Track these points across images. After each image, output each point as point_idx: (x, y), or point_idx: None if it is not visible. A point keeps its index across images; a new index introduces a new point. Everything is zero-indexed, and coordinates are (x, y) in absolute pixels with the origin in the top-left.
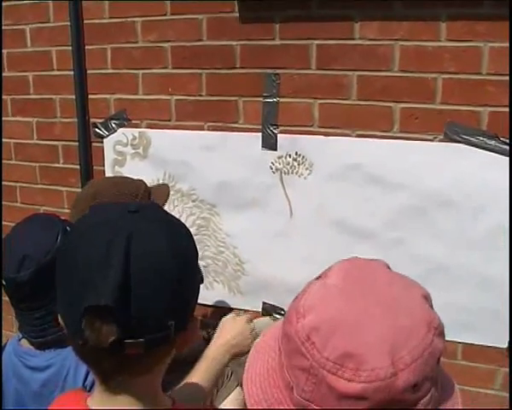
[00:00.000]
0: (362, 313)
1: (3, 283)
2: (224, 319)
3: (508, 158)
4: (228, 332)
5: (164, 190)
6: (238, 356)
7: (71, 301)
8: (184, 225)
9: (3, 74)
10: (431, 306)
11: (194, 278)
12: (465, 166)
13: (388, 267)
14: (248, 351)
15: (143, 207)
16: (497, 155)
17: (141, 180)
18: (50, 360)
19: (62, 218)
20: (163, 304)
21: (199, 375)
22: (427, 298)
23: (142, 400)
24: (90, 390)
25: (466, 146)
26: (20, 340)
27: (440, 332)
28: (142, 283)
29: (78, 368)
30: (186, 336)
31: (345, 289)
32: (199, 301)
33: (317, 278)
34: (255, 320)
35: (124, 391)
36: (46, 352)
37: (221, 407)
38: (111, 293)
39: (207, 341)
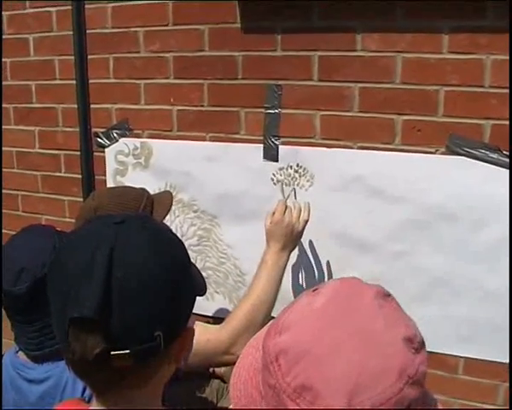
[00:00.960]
0: (332, 346)
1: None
2: (266, 227)
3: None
4: (275, 235)
5: (167, 198)
6: (295, 246)
7: (58, 312)
8: (175, 234)
9: (7, 83)
10: (416, 348)
11: (184, 287)
12: (467, 179)
13: (386, 295)
14: (300, 236)
15: (130, 218)
16: (499, 168)
17: (143, 189)
18: (48, 373)
19: (58, 229)
20: (148, 314)
21: (262, 283)
22: (411, 340)
23: None
24: (89, 402)
25: (468, 159)
26: (17, 352)
27: (415, 381)
28: (125, 293)
29: (76, 380)
30: (180, 346)
31: (325, 315)
32: (199, 312)
33: (313, 291)
34: None
35: (119, 405)
36: (44, 364)
37: None
38: (92, 304)
39: None
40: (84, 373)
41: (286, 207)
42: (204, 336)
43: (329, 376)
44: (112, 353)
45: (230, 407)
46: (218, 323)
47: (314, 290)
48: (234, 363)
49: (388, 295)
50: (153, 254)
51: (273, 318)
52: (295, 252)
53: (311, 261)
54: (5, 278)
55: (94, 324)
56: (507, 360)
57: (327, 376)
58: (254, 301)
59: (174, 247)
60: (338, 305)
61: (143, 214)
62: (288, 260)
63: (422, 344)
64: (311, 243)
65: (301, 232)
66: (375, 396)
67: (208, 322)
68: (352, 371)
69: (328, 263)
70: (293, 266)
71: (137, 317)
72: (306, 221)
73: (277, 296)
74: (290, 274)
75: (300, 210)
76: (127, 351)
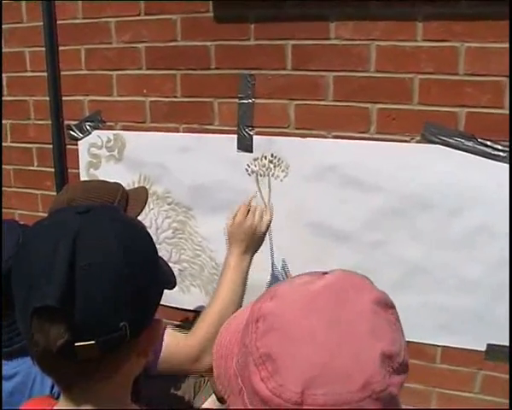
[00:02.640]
0: (309, 330)
1: None
2: (227, 229)
3: (486, 159)
4: (237, 237)
5: (142, 194)
6: (258, 248)
7: (22, 305)
8: (143, 225)
9: None
10: (395, 368)
11: (150, 278)
12: (442, 168)
13: (388, 306)
14: (263, 238)
15: (95, 208)
16: (474, 155)
17: (118, 184)
18: (16, 369)
19: (22, 222)
20: (113, 304)
21: (227, 285)
22: (391, 358)
23: (107, 407)
24: (57, 398)
25: (443, 147)
26: None
27: (379, 398)
28: (88, 282)
29: (44, 376)
30: (148, 339)
31: (316, 300)
32: (175, 305)
33: (317, 273)
34: None
35: (87, 399)
36: (13, 360)
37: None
38: (55, 293)
39: None
40: (49, 367)
41: (248, 209)
42: (173, 342)
43: (295, 356)
44: (76, 344)
45: (207, 404)
46: (194, 316)
47: (319, 274)
48: (203, 372)
49: (391, 306)
50: (117, 244)
51: None
52: (272, 243)
53: (286, 252)
54: None
55: (57, 313)
56: (483, 348)
57: (292, 355)
58: (220, 306)
59: (140, 237)
60: (333, 294)
61: (109, 205)
62: (250, 261)
63: (405, 368)
64: (287, 233)
65: (264, 233)
66: (331, 395)
67: (183, 318)
68: (317, 361)
69: (303, 253)
70: (270, 257)
71: (102, 306)
72: (269, 222)
73: (243, 298)
74: (267, 266)
75: (263, 211)
76: (92, 342)
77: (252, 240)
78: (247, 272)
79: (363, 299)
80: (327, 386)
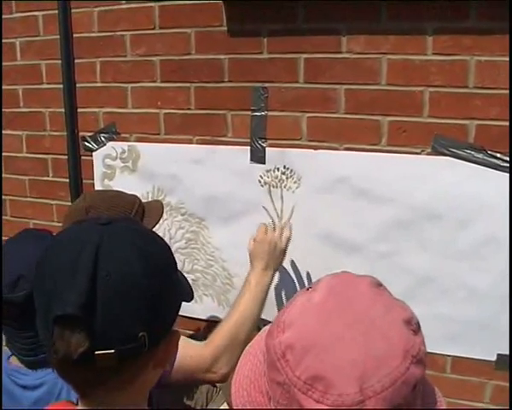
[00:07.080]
0: (337, 336)
1: None
2: (249, 248)
3: (494, 171)
4: (258, 255)
5: (158, 208)
6: (280, 264)
7: (43, 312)
8: (161, 237)
9: None
10: (414, 329)
11: (169, 290)
12: (452, 179)
13: (379, 285)
14: (284, 254)
15: (116, 220)
16: (484, 167)
17: (134, 196)
18: (42, 379)
19: (55, 233)
20: (132, 313)
21: (246, 300)
22: (409, 322)
23: None
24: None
25: (453, 159)
26: (8, 358)
27: (419, 360)
28: (109, 292)
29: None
30: (165, 350)
31: (325, 309)
32: (188, 314)
33: (307, 290)
34: None
35: (103, 406)
36: (38, 371)
37: None
38: (77, 301)
39: None
40: (67, 374)
41: (267, 227)
42: (186, 352)
43: (338, 364)
44: (96, 352)
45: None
46: (207, 326)
47: (308, 289)
48: (216, 381)
49: (380, 284)
50: (138, 255)
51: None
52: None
53: (298, 263)
54: (2, 285)
55: (78, 322)
56: (494, 358)
57: (336, 364)
58: (237, 319)
59: (160, 249)
60: (336, 297)
61: (130, 217)
62: (272, 279)
63: (419, 326)
64: (298, 244)
65: (284, 250)
66: (384, 378)
67: (195, 328)
68: (359, 357)
69: (314, 264)
70: (282, 267)
71: (121, 316)
72: (289, 239)
73: (261, 314)
74: (279, 276)
75: (282, 228)
76: (112, 351)
77: (272, 256)
78: (268, 289)
79: (361, 288)
80: (377, 373)
